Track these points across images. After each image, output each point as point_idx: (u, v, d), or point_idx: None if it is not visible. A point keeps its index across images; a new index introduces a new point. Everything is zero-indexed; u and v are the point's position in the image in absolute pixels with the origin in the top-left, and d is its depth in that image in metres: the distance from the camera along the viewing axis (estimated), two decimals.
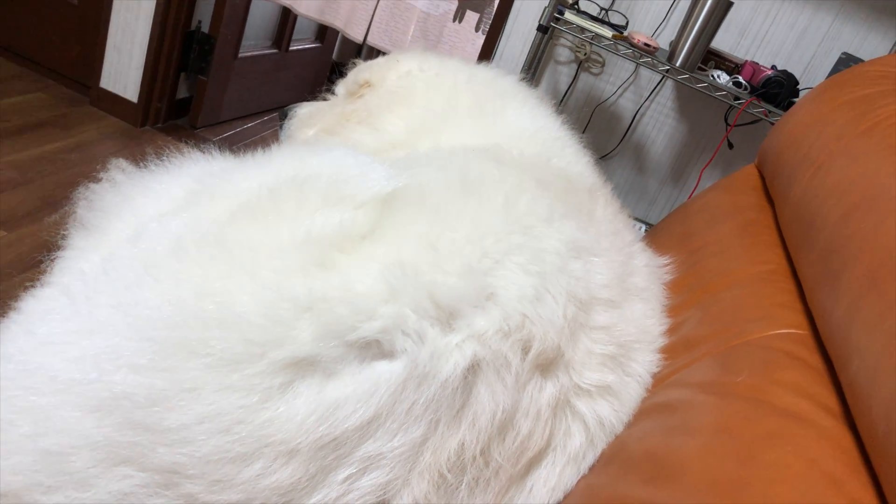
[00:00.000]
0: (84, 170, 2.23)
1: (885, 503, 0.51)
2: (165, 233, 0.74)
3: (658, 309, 0.92)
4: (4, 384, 0.69)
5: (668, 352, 0.84)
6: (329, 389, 0.62)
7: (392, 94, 1.20)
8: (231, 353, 0.62)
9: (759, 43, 2.10)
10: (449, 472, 0.65)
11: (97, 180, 1.01)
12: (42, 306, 0.75)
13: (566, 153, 1.07)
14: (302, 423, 0.61)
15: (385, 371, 0.63)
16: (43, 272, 0.92)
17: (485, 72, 1.23)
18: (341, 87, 1.34)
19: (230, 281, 0.66)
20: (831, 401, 0.63)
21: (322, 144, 1.17)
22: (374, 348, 0.64)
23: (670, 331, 0.89)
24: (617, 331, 0.80)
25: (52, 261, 0.93)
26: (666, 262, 1.04)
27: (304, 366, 0.63)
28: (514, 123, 1.09)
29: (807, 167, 0.93)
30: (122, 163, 1.04)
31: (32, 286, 0.84)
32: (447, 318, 0.66)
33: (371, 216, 0.76)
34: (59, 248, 0.95)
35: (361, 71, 1.30)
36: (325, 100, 1.36)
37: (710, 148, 2.17)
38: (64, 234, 0.96)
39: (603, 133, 2.28)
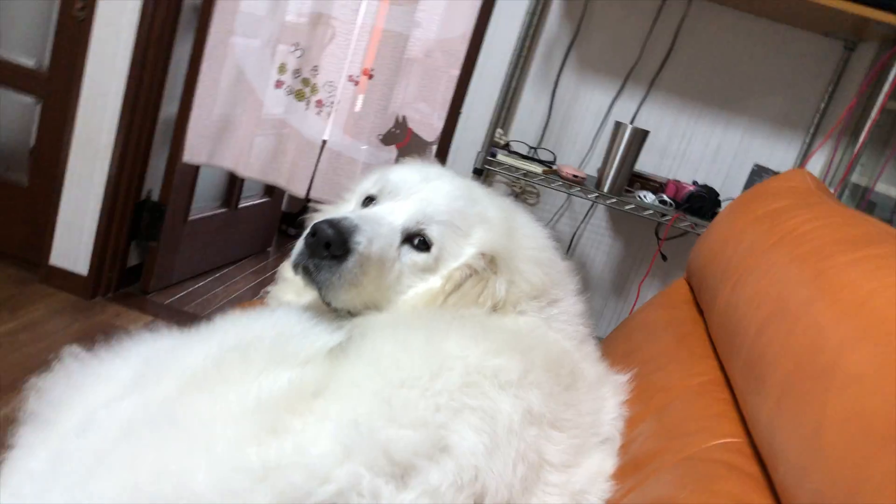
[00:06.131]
0: (33, 350, 2.20)
1: None
2: (115, 418, 0.74)
3: (614, 451, 0.91)
4: None
5: (620, 474, 0.86)
6: None
7: None
8: None
9: (680, 162, 2.26)
10: None
11: (49, 369, 1.00)
12: None
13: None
14: None
15: None
16: None
17: None
18: None
19: (185, 459, 0.66)
20: None
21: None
22: None
23: (621, 449, 0.90)
24: (570, 486, 0.80)
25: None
26: (625, 377, 1.03)
27: None
28: None
29: (726, 281, 1.00)
30: (75, 349, 1.03)
31: None
32: (402, 473, 0.66)
33: (318, 372, 0.77)
34: (5, 447, 0.91)
35: None
36: None
37: (646, 261, 2.27)
38: (12, 430, 0.93)
39: None
